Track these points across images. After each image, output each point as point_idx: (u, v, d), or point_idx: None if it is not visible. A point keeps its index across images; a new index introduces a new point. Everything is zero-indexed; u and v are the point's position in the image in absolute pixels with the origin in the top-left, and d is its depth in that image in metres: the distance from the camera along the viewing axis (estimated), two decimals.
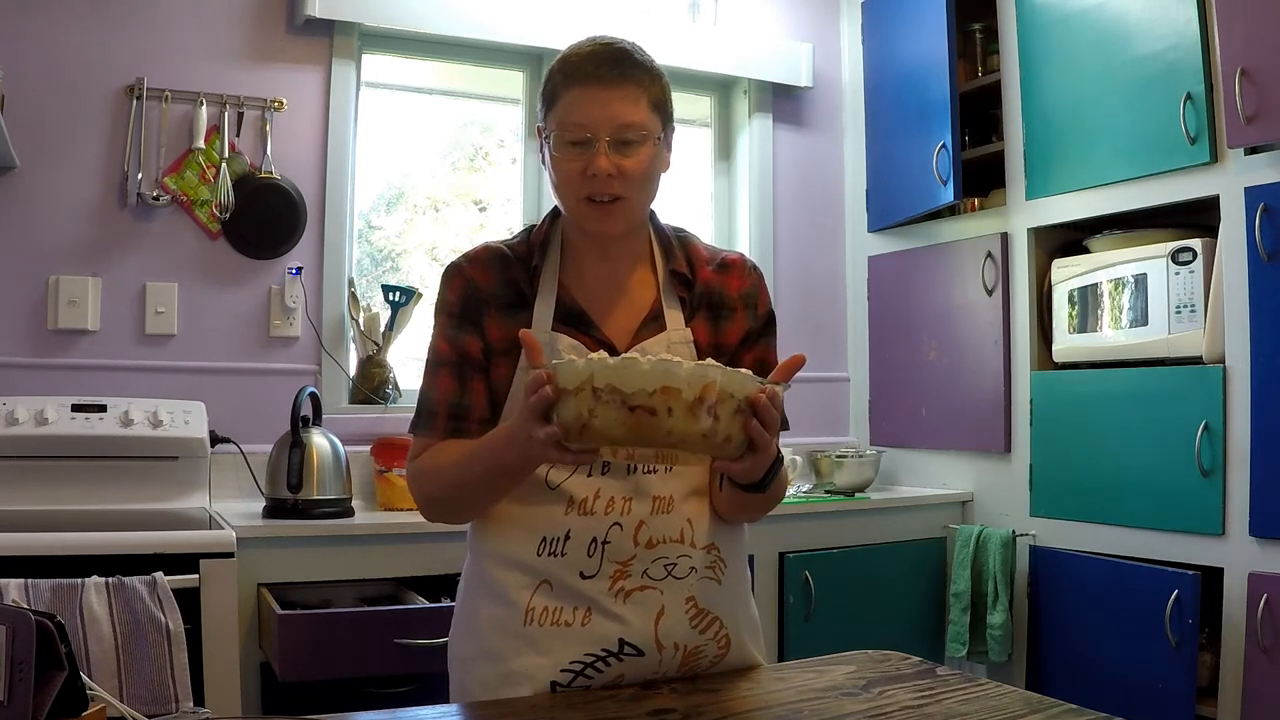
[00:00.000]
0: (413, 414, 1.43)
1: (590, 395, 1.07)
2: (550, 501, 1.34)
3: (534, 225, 1.47)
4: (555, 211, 1.46)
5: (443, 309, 1.42)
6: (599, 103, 1.32)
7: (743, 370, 1.11)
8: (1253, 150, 2.48)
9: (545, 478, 1.34)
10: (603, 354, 1.10)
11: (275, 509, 2.50)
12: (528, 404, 1.12)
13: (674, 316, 1.41)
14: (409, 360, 3.06)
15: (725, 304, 1.45)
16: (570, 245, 1.44)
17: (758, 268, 1.52)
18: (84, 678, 1.02)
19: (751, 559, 2.81)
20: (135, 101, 2.79)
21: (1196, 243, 2.62)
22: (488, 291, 1.40)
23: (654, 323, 1.41)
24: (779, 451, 1.23)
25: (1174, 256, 2.66)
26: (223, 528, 2.30)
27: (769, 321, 1.49)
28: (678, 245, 1.46)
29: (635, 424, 1.06)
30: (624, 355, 1.08)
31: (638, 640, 1.33)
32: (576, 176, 1.34)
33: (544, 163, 1.42)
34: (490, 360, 1.39)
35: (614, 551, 1.33)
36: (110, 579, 2.05)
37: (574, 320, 1.39)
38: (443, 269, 1.45)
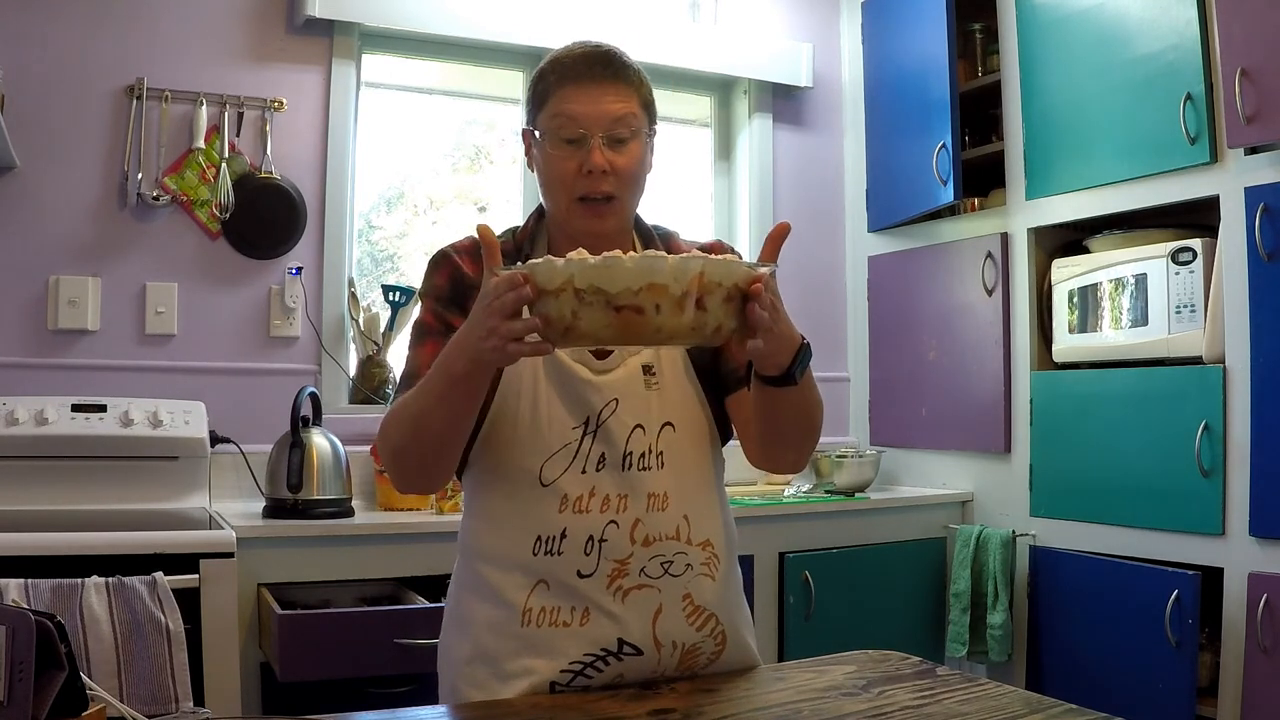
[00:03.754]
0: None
1: (572, 296, 1.05)
2: (544, 500, 1.33)
3: (518, 226, 1.47)
4: (538, 213, 1.47)
5: (430, 292, 1.42)
6: (592, 98, 1.34)
7: (729, 256, 1.10)
8: (1253, 150, 2.48)
9: (539, 474, 1.33)
10: (582, 253, 1.08)
11: (275, 509, 2.50)
12: (497, 301, 1.10)
13: None
14: None
15: None
16: (555, 247, 1.43)
17: (734, 250, 1.51)
18: (84, 678, 1.02)
19: (751, 559, 2.82)
20: (135, 101, 2.79)
21: (1196, 243, 2.62)
22: (475, 281, 1.37)
23: None
24: (803, 340, 1.23)
25: (1174, 256, 2.66)
26: (223, 528, 2.30)
27: None
28: (660, 243, 1.47)
29: (622, 323, 1.05)
30: (605, 254, 1.06)
31: (636, 640, 1.32)
32: (571, 175, 1.35)
33: (530, 165, 1.43)
34: None
35: (611, 550, 1.32)
36: (110, 579, 2.05)
37: None
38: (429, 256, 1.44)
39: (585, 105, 1.34)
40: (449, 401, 1.25)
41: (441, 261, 1.42)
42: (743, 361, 1.37)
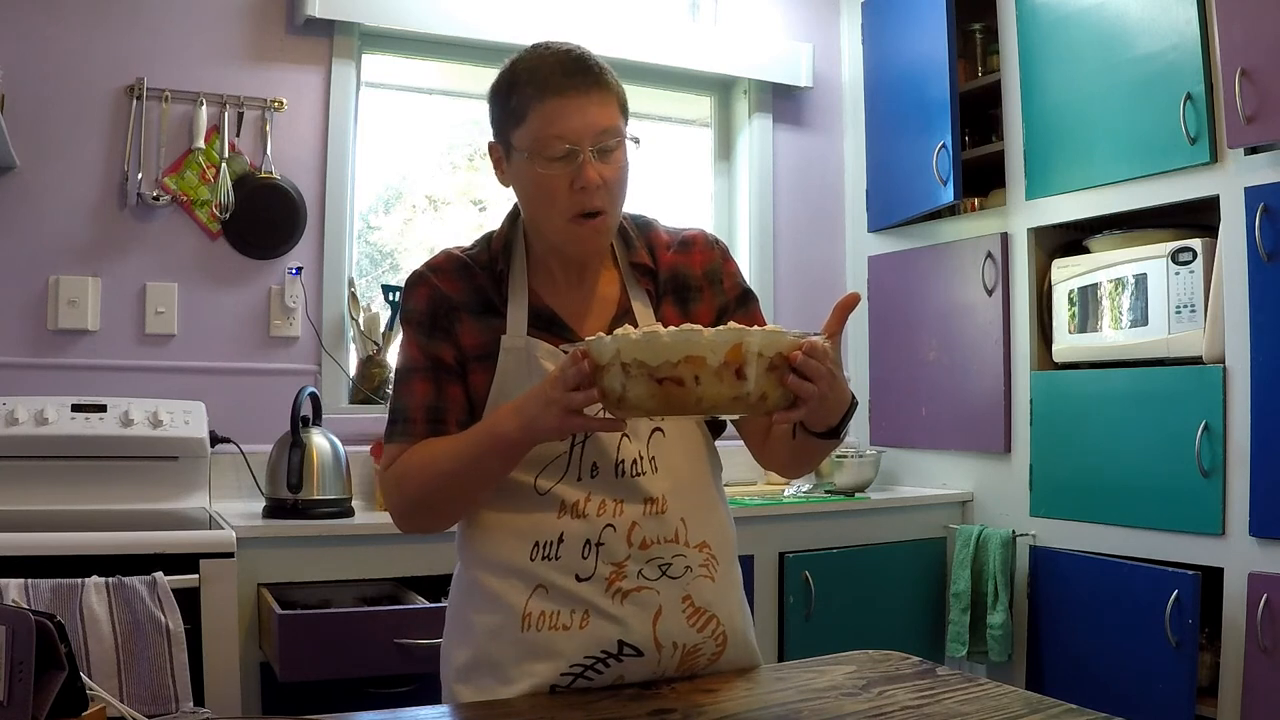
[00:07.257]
0: (386, 424, 1.40)
1: (620, 370, 1.09)
2: (541, 507, 1.33)
3: (492, 232, 1.45)
4: (513, 215, 1.44)
5: (410, 319, 1.40)
6: (578, 111, 1.29)
7: (771, 327, 1.10)
8: (1253, 150, 2.48)
9: (534, 484, 1.33)
10: (628, 329, 1.11)
11: (275, 509, 2.50)
12: (562, 375, 1.14)
13: (643, 311, 1.40)
14: None
15: (690, 283, 1.44)
16: (534, 248, 1.42)
17: (720, 241, 1.51)
18: (84, 678, 1.02)
19: (751, 559, 2.82)
20: (135, 101, 2.79)
21: (1196, 243, 2.62)
22: (456, 299, 1.38)
23: (624, 319, 1.39)
24: (853, 397, 1.25)
25: (1174, 256, 2.66)
26: (223, 528, 2.30)
27: (744, 295, 1.48)
28: (637, 234, 1.45)
29: (664, 395, 1.08)
30: (645, 329, 1.09)
31: (636, 641, 1.32)
32: (563, 192, 1.30)
33: (503, 180, 1.40)
34: (466, 367, 1.38)
35: (608, 553, 1.32)
36: (110, 579, 2.05)
37: (546, 324, 1.38)
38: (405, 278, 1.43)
39: (573, 120, 1.29)
40: (487, 463, 1.28)
41: (418, 283, 1.41)
42: None
